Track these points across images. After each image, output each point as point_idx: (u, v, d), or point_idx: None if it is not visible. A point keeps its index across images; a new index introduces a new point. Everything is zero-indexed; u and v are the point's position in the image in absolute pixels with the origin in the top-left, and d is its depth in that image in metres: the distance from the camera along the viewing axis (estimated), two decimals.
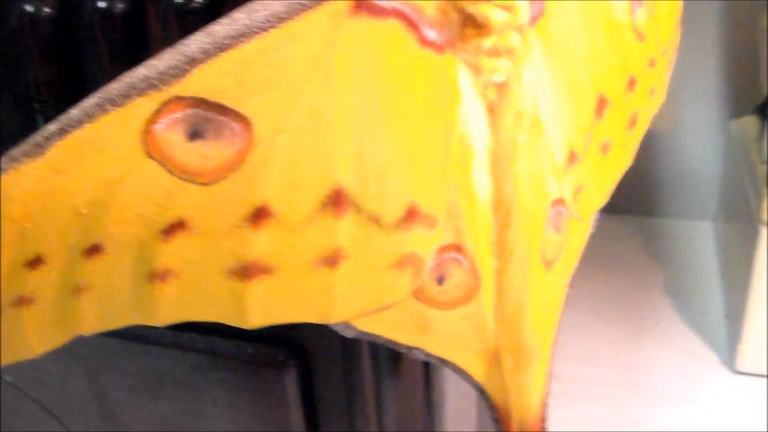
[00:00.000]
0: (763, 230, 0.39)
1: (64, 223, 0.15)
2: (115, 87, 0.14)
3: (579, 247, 0.20)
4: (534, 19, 0.16)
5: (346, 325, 0.17)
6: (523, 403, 0.19)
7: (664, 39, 0.21)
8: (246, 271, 0.16)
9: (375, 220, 0.16)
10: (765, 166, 0.40)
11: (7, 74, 0.20)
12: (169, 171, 0.15)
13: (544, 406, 0.20)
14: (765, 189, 0.39)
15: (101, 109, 0.14)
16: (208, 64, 0.14)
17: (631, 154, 0.21)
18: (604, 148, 0.19)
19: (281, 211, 0.15)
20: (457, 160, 0.16)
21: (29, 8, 0.19)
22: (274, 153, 0.15)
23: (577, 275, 0.47)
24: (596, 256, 0.48)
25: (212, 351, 0.21)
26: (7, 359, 0.16)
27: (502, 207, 0.17)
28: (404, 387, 0.21)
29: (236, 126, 0.15)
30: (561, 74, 0.17)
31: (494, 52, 0.16)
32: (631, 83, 0.19)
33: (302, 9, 0.14)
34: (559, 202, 0.18)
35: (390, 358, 0.21)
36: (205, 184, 0.15)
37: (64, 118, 0.14)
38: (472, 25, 0.15)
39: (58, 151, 0.14)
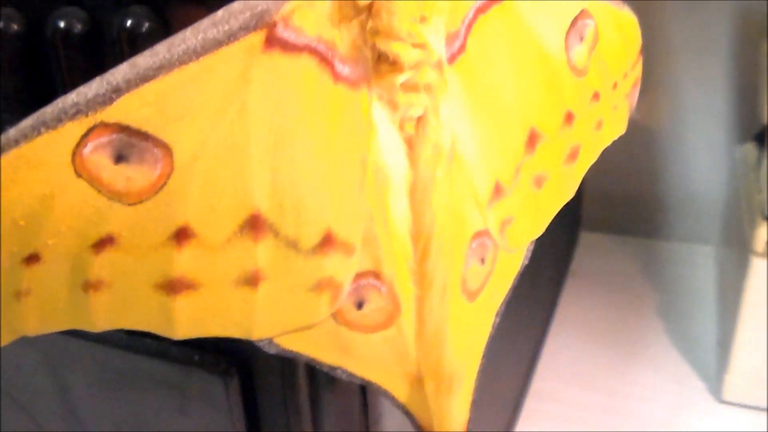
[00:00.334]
0: (755, 261, 0.38)
1: (5, 232, 0.16)
2: (48, 111, 0.15)
3: (509, 276, 0.21)
4: (453, 57, 0.17)
5: (269, 341, 0.18)
6: (445, 426, 0.20)
7: (613, 73, 0.21)
8: (172, 286, 0.17)
9: (293, 245, 0.17)
10: (761, 194, 0.40)
11: None
12: (98, 190, 0.16)
13: (467, 430, 0.21)
14: (759, 218, 0.39)
15: (35, 130, 0.15)
16: (132, 94, 0.15)
17: (571, 187, 0.21)
18: (538, 182, 0.19)
19: (202, 232, 0.16)
20: (373, 191, 0.17)
21: None
22: (193, 178, 0.16)
23: (572, 292, 0.47)
24: (593, 275, 0.49)
25: (163, 355, 0.22)
26: None
27: (421, 238, 0.18)
28: (341, 400, 0.22)
29: (157, 152, 0.15)
30: (485, 109, 0.18)
31: (410, 88, 0.16)
32: (569, 118, 0.20)
33: (218, 45, 0.15)
34: (482, 233, 0.19)
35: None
36: (130, 204, 0.16)
37: (3, 137, 0.15)
38: (385, 62, 0.16)
39: None
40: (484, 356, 0.21)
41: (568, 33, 0.19)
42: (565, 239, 0.48)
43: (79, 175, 0.15)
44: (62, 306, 0.17)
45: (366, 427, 0.23)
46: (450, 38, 0.17)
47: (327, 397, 0.22)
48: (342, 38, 0.16)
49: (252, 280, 0.17)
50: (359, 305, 0.18)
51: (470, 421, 0.20)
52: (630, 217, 0.50)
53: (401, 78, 0.16)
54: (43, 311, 0.17)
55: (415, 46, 0.16)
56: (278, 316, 0.17)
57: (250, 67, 0.15)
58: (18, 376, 0.25)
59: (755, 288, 0.39)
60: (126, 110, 0.15)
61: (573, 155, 0.20)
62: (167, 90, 0.15)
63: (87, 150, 0.15)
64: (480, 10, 0.17)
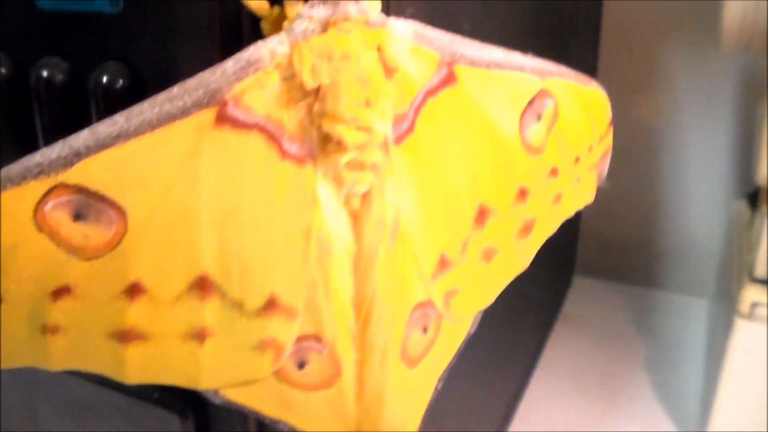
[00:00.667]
0: (738, 321, 0.38)
1: None
2: (14, 168, 0.17)
3: (453, 344, 0.21)
4: (401, 137, 0.18)
5: (215, 392, 0.19)
6: None
7: (575, 148, 0.22)
8: (124, 336, 0.18)
9: (238, 306, 0.18)
10: (751, 254, 0.39)
11: None
12: (57, 244, 0.17)
13: None
14: (746, 279, 0.39)
15: (2, 185, 0.16)
16: (91, 158, 0.16)
17: (524, 260, 0.21)
18: (487, 255, 0.20)
19: (153, 289, 0.17)
20: (317, 262, 0.18)
21: None
22: (145, 240, 0.17)
23: (561, 336, 0.48)
24: (584, 320, 0.49)
25: (126, 390, 0.23)
26: None
27: (363, 306, 0.18)
28: None
29: (113, 213, 0.16)
30: (432, 186, 0.18)
31: (356, 166, 0.17)
32: (522, 194, 0.20)
33: (172, 119, 0.16)
34: (425, 304, 0.19)
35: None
36: (86, 259, 0.17)
37: None
38: (331, 142, 0.17)
39: None
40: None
41: (524, 113, 0.20)
42: (557, 282, 0.48)
43: (40, 229, 0.16)
44: (22, 345, 0.18)
45: None
46: (398, 119, 0.17)
47: None
48: (290, 118, 0.17)
49: (199, 336, 0.18)
50: (300, 365, 0.19)
51: None
52: (626, 264, 0.51)
53: (346, 158, 0.17)
54: (6, 348, 0.18)
55: (360, 129, 0.17)
56: (223, 370, 0.18)
57: (202, 142, 0.16)
58: None
59: (738, 349, 0.39)
60: (85, 173, 0.16)
61: (527, 229, 0.21)
62: (124, 157, 0.16)
63: (48, 207, 0.16)
64: (429, 93, 0.18)
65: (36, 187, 0.16)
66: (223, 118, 0.16)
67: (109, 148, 0.16)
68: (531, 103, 0.20)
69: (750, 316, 0.38)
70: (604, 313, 0.49)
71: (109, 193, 0.16)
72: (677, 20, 0.46)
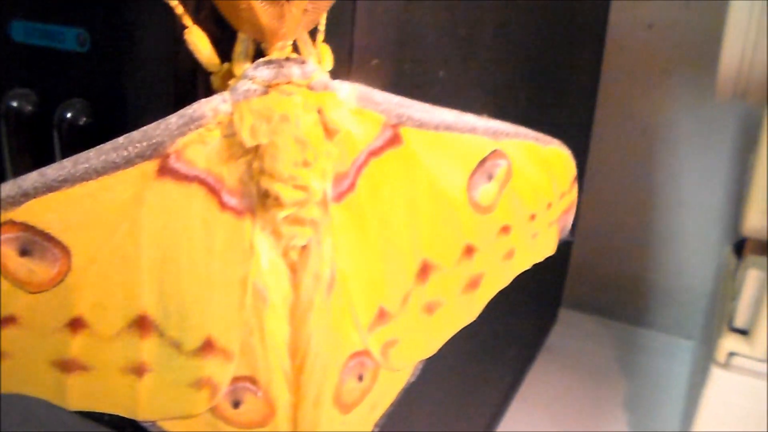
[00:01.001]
0: (714, 370, 0.38)
1: None
2: None
3: (391, 392, 0.22)
4: (342, 195, 0.18)
5: (153, 423, 0.20)
6: None
7: (530, 206, 0.22)
8: (66, 366, 0.18)
9: (176, 346, 0.18)
10: (732, 303, 0.39)
11: None
12: (4, 276, 0.17)
13: None
14: (725, 327, 0.39)
15: None
16: (38, 200, 0.17)
17: (471, 312, 0.22)
18: (430, 308, 0.21)
19: (94, 325, 0.18)
20: (253, 309, 0.18)
21: None
22: (88, 278, 0.17)
23: (542, 369, 0.48)
24: (566, 355, 0.49)
25: (97, 418, 0.24)
26: None
27: (298, 354, 0.19)
28: None
29: (57, 252, 0.17)
30: (372, 243, 0.19)
31: (295, 221, 0.18)
32: (469, 251, 0.21)
33: (116, 167, 0.17)
34: (361, 353, 0.20)
35: None
36: (31, 292, 0.18)
37: None
38: (269, 197, 0.17)
39: None
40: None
41: (473, 173, 0.20)
42: (542, 315, 0.48)
43: None
44: None
45: None
46: (339, 178, 0.18)
47: None
48: (230, 173, 0.17)
49: (137, 370, 0.18)
50: (236, 404, 0.19)
51: None
52: (614, 300, 0.51)
53: (283, 213, 0.17)
54: None
55: (297, 187, 0.17)
56: (160, 403, 0.19)
57: (144, 191, 0.17)
58: None
59: (712, 398, 0.39)
60: (32, 213, 0.17)
61: (473, 284, 0.21)
62: (69, 200, 0.17)
63: None
64: (373, 154, 0.18)
65: None
66: (165, 170, 0.17)
67: (56, 191, 0.17)
68: (482, 163, 0.20)
69: (726, 365, 0.38)
70: (588, 348, 0.49)
71: (54, 232, 0.17)
72: (678, 64, 0.46)
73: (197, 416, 0.19)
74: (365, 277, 0.19)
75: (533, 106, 0.39)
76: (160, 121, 0.17)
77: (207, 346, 0.18)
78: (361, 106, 0.18)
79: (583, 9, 0.44)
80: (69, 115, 0.20)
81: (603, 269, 0.50)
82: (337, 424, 0.20)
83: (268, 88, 0.17)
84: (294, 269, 0.18)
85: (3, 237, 0.17)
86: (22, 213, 0.17)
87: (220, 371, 0.19)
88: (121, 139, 0.17)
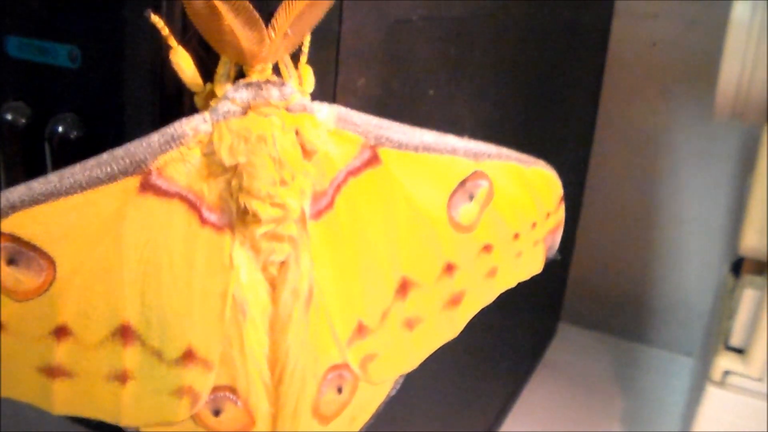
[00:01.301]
0: (710, 388, 0.38)
1: None
2: None
3: (371, 405, 0.22)
4: (320, 213, 0.19)
5: (136, 429, 0.20)
6: None
7: (513, 226, 0.22)
8: (51, 372, 0.19)
9: (157, 355, 0.19)
10: (728, 322, 0.39)
11: None
12: None
13: None
14: (721, 346, 0.39)
15: None
16: (25, 212, 0.18)
17: (452, 329, 0.22)
18: (409, 324, 0.21)
19: (78, 333, 0.19)
20: (232, 321, 0.19)
21: None
22: (72, 288, 0.18)
23: (540, 383, 0.48)
24: (565, 369, 0.49)
25: (86, 423, 0.24)
26: None
27: (277, 366, 0.19)
28: None
29: (43, 262, 0.18)
30: (350, 260, 0.19)
31: (273, 237, 0.18)
32: (449, 269, 0.21)
33: (100, 183, 0.17)
34: (340, 367, 0.20)
35: None
36: (18, 300, 0.18)
37: None
38: (248, 213, 0.18)
39: None
40: None
41: (453, 193, 0.20)
42: (540, 329, 0.49)
43: None
44: None
45: None
46: (317, 196, 0.19)
47: None
48: (210, 190, 0.18)
49: (120, 378, 0.19)
50: (216, 413, 0.20)
51: None
52: (614, 316, 0.51)
53: (261, 230, 0.18)
54: None
55: (274, 205, 0.18)
56: (142, 411, 0.20)
57: (126, 206, 0.17)
58: None
59: (707, 415, 0.39)
60: (19, 225, 0.18)
61: (455, 301, 0.22)
62: (55, 213, 0.18)
63: None
64: (351, 173, 0.19)
65: None
66: (146, 186, 0.17)
67: (42, 204, 0.18)
68: (463, 184, 0.21)
69: (722, 383, 0.38)
70: (586, 363, 0.49)
71: (40, 244, 0.18)
72: (680, 83, 0.47)
73: (179, 423, 0.20)
74: (343, 292, 0.20)
75: (532, 124, 0.39)
76: (142, 138, 0.17)
77: (188, 356, 0.19)
78: (339, 127, 0.18)
79: (583, 26, 0.44)
80: (60, 129, 0.21)
81: (603, 285, 0.50)
82: None
83: (247, 109, 0.17)
84: (273, 284, 0.19)
85: None
86: (9, 224, 0.18)
87: (201, 380, 0.19)
88: (104, 156, 0.17)
